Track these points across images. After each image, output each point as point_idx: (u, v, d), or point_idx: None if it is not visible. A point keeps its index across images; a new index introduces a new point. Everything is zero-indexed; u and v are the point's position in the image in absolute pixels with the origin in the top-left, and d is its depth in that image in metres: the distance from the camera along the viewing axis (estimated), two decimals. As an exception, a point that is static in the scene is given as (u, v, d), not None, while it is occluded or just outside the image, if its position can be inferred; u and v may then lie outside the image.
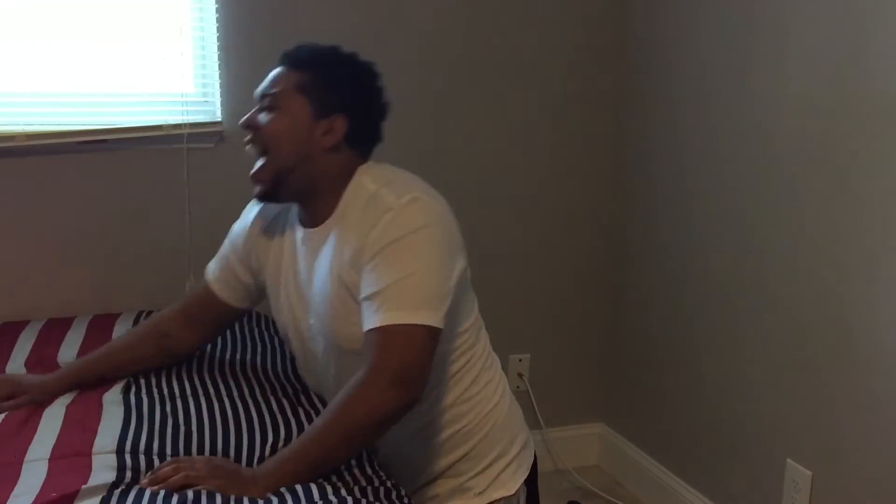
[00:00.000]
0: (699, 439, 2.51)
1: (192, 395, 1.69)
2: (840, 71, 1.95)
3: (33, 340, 2.00)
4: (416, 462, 1.68)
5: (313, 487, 1.36)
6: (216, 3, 2.28)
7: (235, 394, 1.71)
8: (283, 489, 1.36)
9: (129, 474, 1.40)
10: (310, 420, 1.62)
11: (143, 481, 1.36)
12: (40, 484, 1.36)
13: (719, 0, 2.32)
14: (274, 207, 1.71)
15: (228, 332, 2.07)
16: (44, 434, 1.52)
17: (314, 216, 1.61)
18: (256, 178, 1.59)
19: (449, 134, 2.62)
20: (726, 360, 2.37)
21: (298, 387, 1.80)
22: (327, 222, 1.58)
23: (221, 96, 2.33)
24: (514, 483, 1.71)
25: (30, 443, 1.49)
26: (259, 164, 1.58)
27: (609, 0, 2.68)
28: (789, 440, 2.16)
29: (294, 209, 1.67)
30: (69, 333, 2.04)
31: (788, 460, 2.16)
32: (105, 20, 2.21)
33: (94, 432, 1.53)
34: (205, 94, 2.35)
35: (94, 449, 1.47)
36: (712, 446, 2.45)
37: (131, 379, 1.76)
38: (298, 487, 1.37)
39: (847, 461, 2.00)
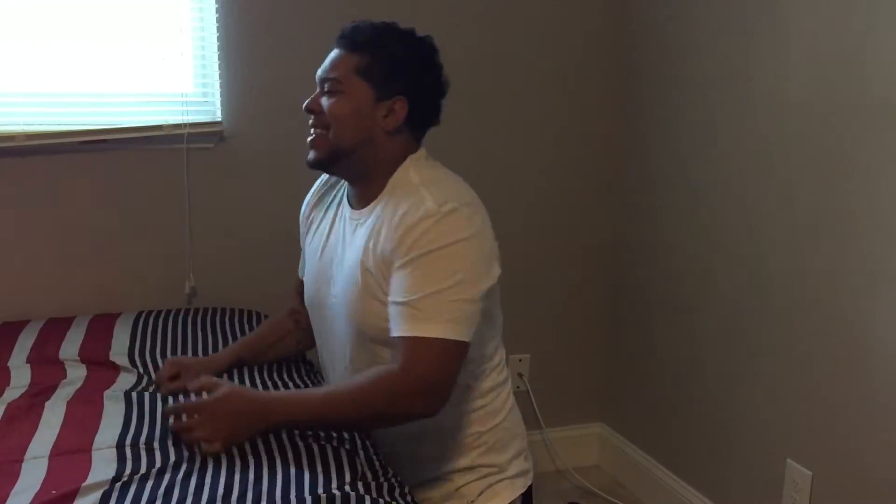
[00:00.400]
0: (699, 439, 2.51)
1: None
2: (839, 72, 1.95)
3: (33, 340, 2.00)
4: (414, 462, 1.68)
5: (320, 478, 1.37)
6: (216, 3, 2.29)
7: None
8: (291, 478, 1.37)
9: (129, 468, 1.40)
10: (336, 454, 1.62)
11: (167, 409, 1.52)
12: (40, 481, 1.36)
13: (718, 3, 2.32)
14: (330, 181, 1.75)
15: (230, 333, 2.07)
16: (44, 432, 1.52)
17: (360, 197, 1.63)
18: (314, 145, 1.60)
19: (449, 135, 2.59)
20: (726, 361, 2.37)
21: (300, 384, 1.80)
22: (370, 205, 1.59)
23: (221, 96, 2.33)
24: (508, 495, 1.70)
25: (30, 441, 1.49)
26: (317, 134, 1.60)
27: (609, 3, 2.68)
28: (789, 440, 2.16)
29: (346, 185, 1.69)
30: (69, 333, 2.04)
31: (788, 460, 2.16)
32: (105, 20, 2.21)
33: (95, 429, 1.53)
34: (205, 94, 2.35)
35: (95, 445, 1.47)
36: (712, 446, 2.45)
37: (134, 377, 1.76)
38: (306, 477, 1.37)
39: (847, 461, 2.00)
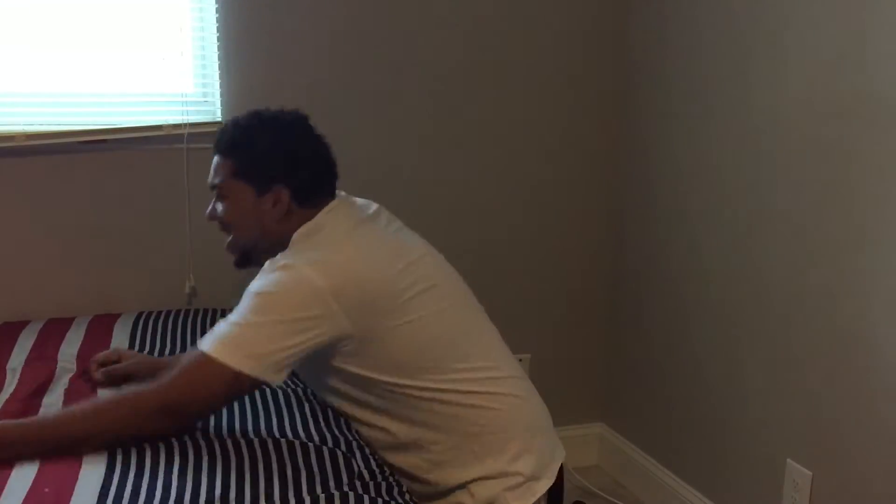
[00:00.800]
0: (699, 439, 2.51)
1: None
2: (839, 70, 1.95)
3: (33, 340, 2.00)
4: (422, 483, 1.68)
5: (317, 478, 1.37)
6: (216, 3, 2.28)
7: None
8: (288, 478, 1.36)
9: (121, 466, 1.41)
10: (299, 409, 1.63)
11: None
12: (32, 478, 1.36)
13: (719, 3, 2.32)
14: None
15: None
16: None
17: None
18: (229, 249, 1.73)
19: (449, 136, 2.62)
20: (726, 360, 2.37)
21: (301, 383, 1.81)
22: None
23: (221, 96, 2.32)
24: (533, 494, 1.67)
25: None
26: (229, 239, 1.72)
27: (609, 3, 2.68)
28: (789, 440, 2.16)
29: None
30: (69, 333, 2.04)
31: (788, 460, 2.16)
32: (105, 20, 2.21)
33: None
34: (205, 94, 2.35)
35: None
36: (712, 446, 2.45)
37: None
38: (304, 477, 1.36)
39: (847, 461, 2.00)
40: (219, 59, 2.31)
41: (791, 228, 2.12)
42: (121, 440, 1.45)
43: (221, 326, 1.51)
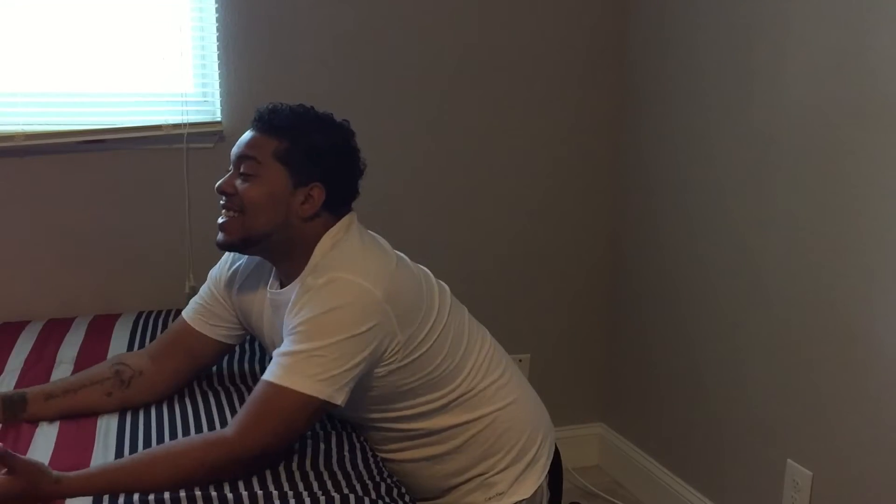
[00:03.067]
0: (699, 439, 2.51)
1: (190, 399, 1.70)
2: (840, 73, 1.95)
3: (33, 341, 2.00)
4: (429, 479, 1.71)
5: (313, 482, 1.37)
6: (216, 2, 2.28)
7: (235, 398, 1.72)
8: (284, 483, 1.36)
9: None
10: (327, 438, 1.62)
11: None
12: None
13: (719, 3, 2.32)
14: (252, 259, 1.70)
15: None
16: (38, 447, 1.50)
17: (283, 275, 1.61)
18: (225, 228, 1.56)
19: (450, 136, 2.62)
20: (726, 361, 2.37)
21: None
22: (292, 284, 1.57)
23: (221, 96, 2.32)
24: (534, 481, 1.72)
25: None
26: (230, 216, 1.56)
27: (609, 6, 2.68)
28: (789, 440, 2.16)
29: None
30: (69, 334, 2.04)
31: (789, 460, 2.16)
32: (105, 20, 2.21)
33: (90, 447, 1.52)
34: (204, 94, 2.35)
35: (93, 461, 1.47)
36: (712, 446, 2.45)
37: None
38: (300, 482, 1.36)
39: (847, 461, 2.00)
40: (218, 59, 2.31)
41: (791, 229, 2.11)
42: (203, 485, 1.37)
43: (287, 357, 1.44)
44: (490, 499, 1.69)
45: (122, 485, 1.34)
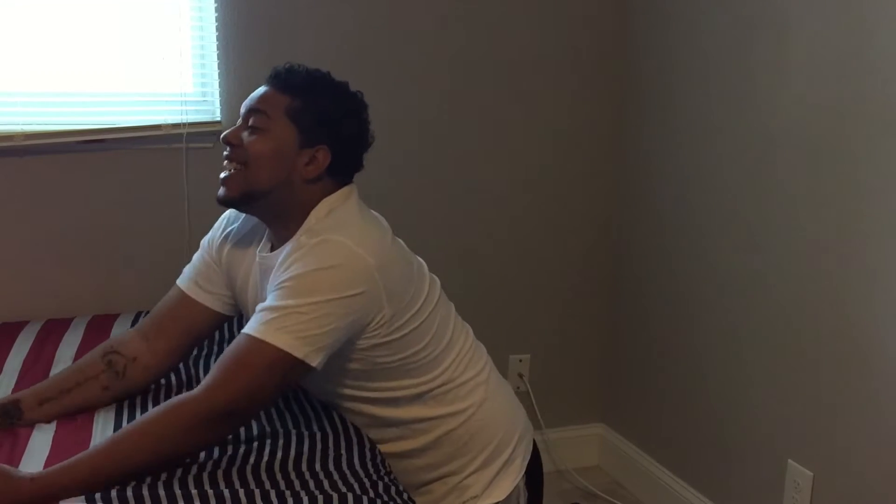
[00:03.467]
0: (700, 440, 2.50)
1: (188, 388, 1.69)
2: (841, 71, 1.95)
3: (32, 340, 2.00)
4: (400, 475, 1.68)
5: (309, 480, 1.36)
6: (216, 2, 2.28)
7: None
8: (280, 482, 1.36)
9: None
10: (302, 410, 1.63)
11: None
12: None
13: (720, 2, 2.31)
14: (246, 223, 1.69)
15: (228, 333, 2.06)
16: (35, 449, 1.49)
17: (274, 238, 1.60)
18: (226, 183, 1.55)
19: (449, 134, 2.62)
20: (727, 361, 2.37)
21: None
22: (282, 248, 1.54)
23: (221, 96, 2.32)
24: (509, 483, 1.70)
25: (20, 460, 1.45)
26: (232, 171, 1.55)
27: (609, 4, 2.67)
28: (790, 441, 2.16)
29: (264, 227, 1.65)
30: (67, 334, 2.04)
31: (789, 461, 2.16)
32: (104, 20, 2.21)
33: (88, 444, 1.50)
34: (204, 94, 2.34)
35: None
36: (713, 447, 2.45)
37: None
38: (296, 480, 1.36)
39: (848, 462, 2.00)
40: (218, 59, 2.31)
41: (793, 229, 2.11)
42: (182, 453, 1.36)
43: (268, 312, 1.40)
44: (465, 503, 1.67)
45: (104, 469, 1.31)
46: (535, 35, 2.63)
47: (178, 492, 1.31)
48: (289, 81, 1.57)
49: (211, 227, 2.37)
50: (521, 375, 2.82)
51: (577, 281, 2.85)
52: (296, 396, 1.70)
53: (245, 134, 1.54)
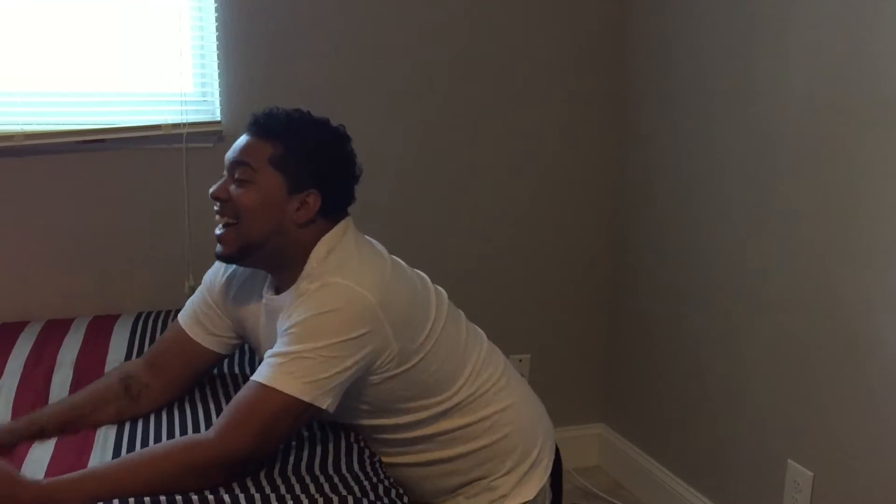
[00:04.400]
0: (700, 440, 2.50)
1: (189, 405, 1.69)
2: (842, 70, 1.95)
3: (32, 341, 2.00)
4: (431, 483, 1.70)
5: (310, 484, 1.36)
6: (216, 2, 2.28)
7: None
8: (280, 486, 1.36)
9: None
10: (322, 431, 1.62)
11: None
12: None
13: (720, 1, 2.31)
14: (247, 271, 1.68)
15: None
16: (35, 460, 1.49)
17: (279, 283, 1.60)
18: (222, 240, 1.55)
19: (449, 135, 2.62)
20: (727, 361, 2.37)
21: None
22: (288, 291, 1.55)
23: (221, 96, 2.32)
24: (537, 483, 1.71)
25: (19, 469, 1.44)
26: (225, 229, 1.54)
27: (609, 2, 2.67)
28: (790, 441, 2.16)
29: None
30: (68, 335, 2.04)
31: (789, 461, 2.16)
32: (104, 20, 2.21)
33: (88, 453, 1.51)
34: (204, 94, 2.34)
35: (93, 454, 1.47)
36: (713, 447, 2.45)
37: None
38: (296, 485, 1.36)
39: (848, 462, 1.99)
40: (218, 58, 2.31)
41: (793, 228, 2.11)
42: (189, 490, 1.35)
43: (275, 359, 1.42)
44: (493, 502, 1.68)
45: (106, 489, 1.32)
46: (534, 36, 2.62)
47: (178, 498, 1.32)
48: (269, 127, 1.54)
49: (210, 226, 2.37)
50: (521, 375, 2.81)
51: (577, 281, 2.85)
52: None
53: (233, 187, 1.53)
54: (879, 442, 1.91)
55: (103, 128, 2.23)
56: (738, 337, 2.31)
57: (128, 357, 1.92)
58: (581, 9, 2.65)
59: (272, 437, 1.42)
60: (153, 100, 2.31)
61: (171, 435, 1.57)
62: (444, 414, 1.64)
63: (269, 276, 1.63)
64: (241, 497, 1.32)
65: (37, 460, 1.48)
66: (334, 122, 1.62)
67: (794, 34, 2.07)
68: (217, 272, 1.73)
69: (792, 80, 2.09)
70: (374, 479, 1.44)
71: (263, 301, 1.61)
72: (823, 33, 1.99)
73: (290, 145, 1.53)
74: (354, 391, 1.51)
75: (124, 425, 1.61)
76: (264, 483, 1.39)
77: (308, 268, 1.53)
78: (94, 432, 1.59)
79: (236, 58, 2.32)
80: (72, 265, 2.29)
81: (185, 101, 2.29)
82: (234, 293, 1.69)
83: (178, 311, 2.20)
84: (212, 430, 1.41)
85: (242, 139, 1.56)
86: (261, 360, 1.51)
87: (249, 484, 1.38)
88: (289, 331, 1.44)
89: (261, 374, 1.42)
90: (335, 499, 1.33)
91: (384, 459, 1.63)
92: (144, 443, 1.55)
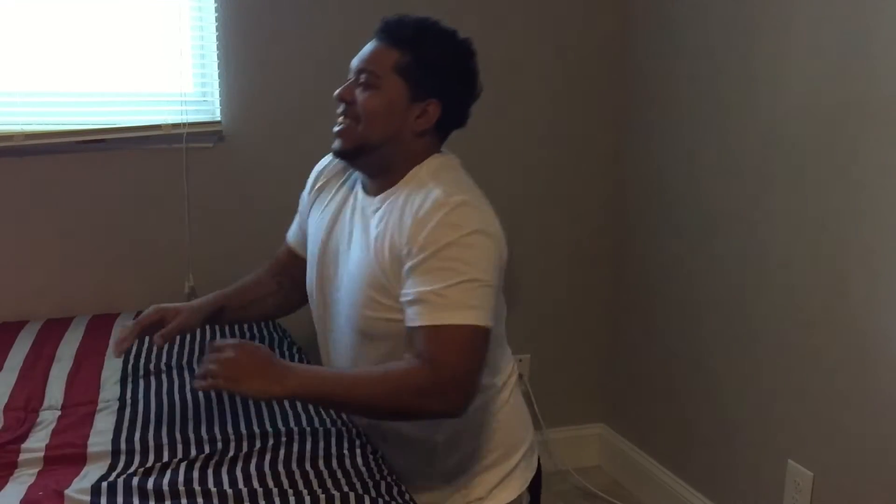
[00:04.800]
0: (700, 439, 2.50)
1: (191, 388, 1.70)
2: (843, 69, 1.95)
3: (32, 340, 2.00)
4: (414, 462, 1.68)
5: (313, 479, 1.37)
6: (216, 2, 2.28)
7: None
8: (283, 481, 1.36)
9: (123, 460, 1.43)
10: (304, 409, 1.63)
11: (197, 375, 1.43)
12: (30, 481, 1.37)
13: (721, 1, 2.31)
14: (339, 164, 1.73)
15: (229, 333, 2.07)
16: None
17: (375, 187, 1.61)
18: (341, 135, 1.58)
19: (451, 136, 2.61)
20: (727, 361, 2.37)
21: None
22: (383, 195, 1.57)
23: (220, 96, 2.32)
24: (516, 488, 1.70)
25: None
26: (347, 124, 1.57)
27: (611, 2, 2.67)
28: (790, 441, 2.16)
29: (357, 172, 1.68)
30: (68, 333, 2.04)
31: (789, 461, 2.16)
32: (104, 19, 2.21)
33: (88, 434, 1.53)
34: (204, 94, 2.34)
35: (90, 442, 1.48)
36: (713, 447, 2.45)
37: (126, 380, 1.76)
38: (299, 480, 1.37)
39: (848, 462, 2.00)
40: (218, 58, 2.31)
41: (795, 229, 2.11)
42: (402, 415, 1.47)
43: (458, 290, 1.42)
44: (469, 503, 1.67)
45: (340, 394, 1.41)
46: (535, 35, 2.63)
47: (181, 489, 1.33)
48: (397, 35, 1.56)
49: (210, 227, 2.39)
50: (521, 375, 2.80)
51: (578, 281, 2.85)
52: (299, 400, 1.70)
53: (358, 91, 1.56)
54: (879, 442, 1.91)
55: (103, 128, 2.23)
56: (738, 336, 2.31)
57: (127, 352, 1.89)
58: (582, 8, 2.65)
59: (479, 365, 1.44)
60: (153, 100, 2.32)
61: (171, 421, 1.59)
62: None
63: (362, 177, 1.65)
64: (245, 491, 1.33)
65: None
66: (466, 38, 1.64)
67: (794, 34, 2.07)
68: (311, 183, 1.79)
69: (792, 79, 2.09)
70: (378, 476, 1.43)
71: (358, 198, 1.63)
72: (824, 34, 1.99)
73: (417, 54, 1.55)
74: None
75: (122, 426, 1.60)
76: (268, 477, 1.39)
77: (416, 178, 1.56)
78: (94, 416, 1.62)
79: (236, 58, 2.32)
80: (72, 265, 2.29)
81: (185, 101, 2.29)
82: (319, 187, 1.74)
83: (178, 310, 2.22)
84: (422, 361, 1.41)
85: (370, 45, 1.59)
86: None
87: (253, 477, 1.38)
88: (441, 253, 1.43)
89: (464, 314, 1.41)
90: (337, 495, 1.33)
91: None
92: (144, 431, 1.56)
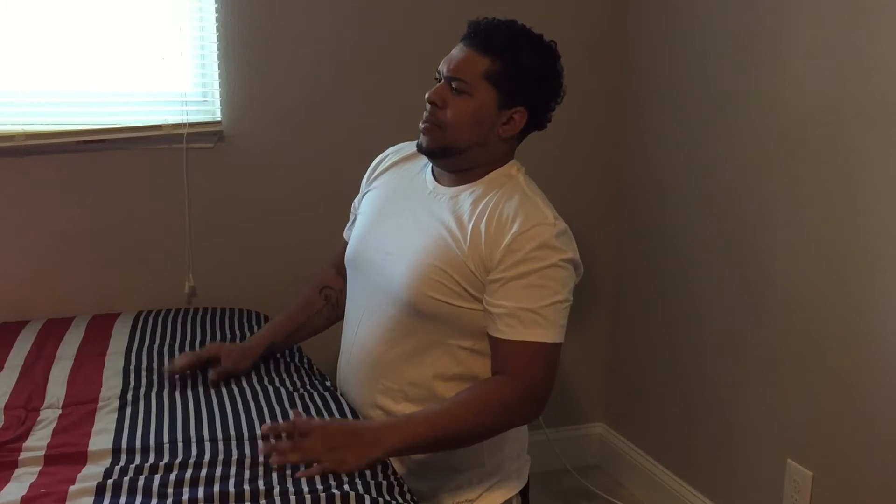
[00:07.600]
0: (700, 439, 2.50)
1: (192, 387, 1.71)
2: (840, 71, 1.95)
3: (33, 340, 2.00)
4: (413, 461, 1.68)
5: (316, 479, 1.37)
6: (216, 2, 2.28)
7: (235, 383, 1.74)
8: (288, 482, 1.36)
9: (123, 459, 1.43)
10: (306, 410, 1.63)
11: (262, 447, 1.43)
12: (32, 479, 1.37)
13: (719, 4, 2.32)
14: (400, 153, 1.78)
15: (229, 333, 2.07)
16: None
17: (450, 179, 1.65)
18: (428, 132, 1.61)
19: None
20: (727, 361, 2.37)
21: (304, 370, 1.83)
22: (461, 187, 1.62)
23: (221, 96, 2.32)
24: (507, 493, 1.70)
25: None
26: (432, 123, 1.60)
27: (610, 4, 2.67)
28: (790, 440, 2.16)
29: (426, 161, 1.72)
30: (68, 333, 2.04)
31: (789, 461, 2.16)
32: (105, 19, 2.21)
33: (89, 433, 1.53)
34: (204, 94, 2.34)
35: (91, 441, 1.49)
36: (713, 447, 2.45)
37: (127, 383, 1.77)
38: (302, 479, 1.37)
39: (848, 462, 2.00)
40: (218, 59, 2.31)
41: (794, 229, 2.11)
42: (491, 433, 1.54)
43: (551, 310, 1.54)
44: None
45: (438, 426, 1.47)
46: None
47: (182, 488, 1.33)
48: (488, 42, 1.58)
49: (211, 227, 2.39)
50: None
51: (578, 281, 2.84)
52: (301, 397, 1.70)
53: (448, 95, 1.59)
54: (879, 442, 1.91)
55: (104, 128, 2.23)
56: (739, 337, 2.32)
57: (128, 351, 1.93)
58: (580, 9, 2.65)
59: (552, 374, 1.55)
60: (153, 100, 2.32)
61: (172, 420, 1.59)
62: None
63: (431, 167, 1.69)
64: (247, 490, 1.33)
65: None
66: (553, 45, 1.67)
67: (791, 37, 2.08)
68: (369, 172, 1.83)
69: (789, 82, 2.09)
70: (381, 476, 1.44)
71: (424, 184, 1.68)
72: (821, 36, 1.99)
73: (507, 62, 1.58)
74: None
75: (123, 428, 1.60)
76: (272, 476, 1.39)
77: (507, 182, 1.62)
78: (95, 415, 1.62)
79: (236, 58, 2.32)
80: (72, 265, 2.29)
81: (186, 101, 2.29)
82: (379, 172, 1.79)
83: (178, 310, 2.22)
84: (510, 378, 1.52)
85: (460, 51, 1.61)
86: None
87: (257, 476, 1.38)
88: (544, 272, 1.53)
89: (546, 331, 1.53)
90: (338, 494, 1.33)
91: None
92: (145, 430, 1.56)
